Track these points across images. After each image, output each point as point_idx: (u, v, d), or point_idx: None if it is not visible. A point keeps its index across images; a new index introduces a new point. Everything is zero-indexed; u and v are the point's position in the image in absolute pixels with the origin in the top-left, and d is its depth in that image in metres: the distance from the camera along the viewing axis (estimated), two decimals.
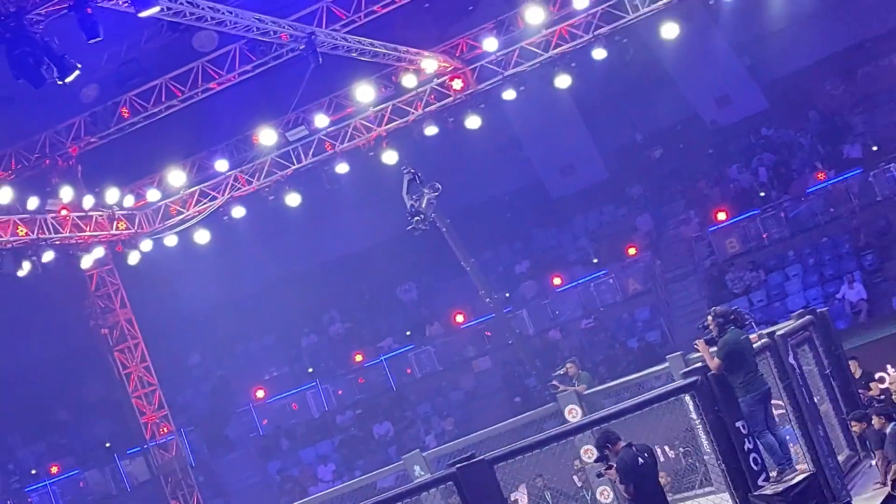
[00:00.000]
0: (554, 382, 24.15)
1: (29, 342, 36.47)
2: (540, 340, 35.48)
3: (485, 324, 36.09)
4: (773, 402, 15.38)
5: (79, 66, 21.50)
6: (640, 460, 13.94)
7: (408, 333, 36.78)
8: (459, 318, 36.66)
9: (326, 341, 38.62)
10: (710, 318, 15.25)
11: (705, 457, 18.77)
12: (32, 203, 28.24)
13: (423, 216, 24.75)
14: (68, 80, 21.55)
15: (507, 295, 36.61)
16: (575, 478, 23.29)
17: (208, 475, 35.04)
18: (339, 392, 36.86)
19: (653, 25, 29.62)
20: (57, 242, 29.47)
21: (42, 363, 36.90)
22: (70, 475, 35.80)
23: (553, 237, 39.02)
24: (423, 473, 22.74)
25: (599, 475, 15.13)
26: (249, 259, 36.66)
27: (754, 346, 15.18)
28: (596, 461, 14.86)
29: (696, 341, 15.05)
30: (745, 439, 14.22)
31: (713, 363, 14.38)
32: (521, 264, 38.09)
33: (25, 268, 28.85)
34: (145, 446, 32.68)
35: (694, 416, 17.12)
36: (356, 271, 38.30)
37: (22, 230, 28.34)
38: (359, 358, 37.08)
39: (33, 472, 35.87)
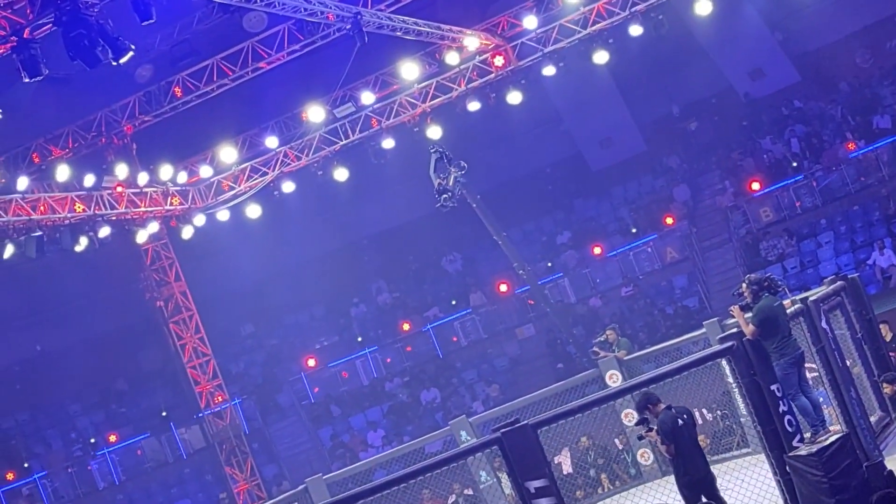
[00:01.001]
0: (595, 349, 24.67)
1: (88, 315, 37.25)
2: (581, 308, 36.20)
3: (528, 292, 36.82)
4: (806, 365, 15.60)
5: (132, 47, 22.17)
6: (680, 421, 14.43)
7: (453, 303, 37.50)
8: (503, 287, 37.31)
9: (375, 311, 39.32)
10: (744, 285, 15.46)
11: (742, 419, 19.31)
12: (89, 180, 28.99)
13: (450, 193, 25.48)
14: (122, 60, 22.24)
15: (549, 265, 37.36)
16: (616, 441, 23.97)
17: (261, 442, 35.72)
18: (388, 360, 37.55)
19: (687, 1, 30.25)
20: (113, 218, 30.20)
21: (101, 335, 37.62)
22: (128, 443, 36.33)
23: (593, 208, 39.63)
24: (469, 438, 23.38)
25: (640, 437, 15.58)
26: (299, 232, 37.31)
27: (788, 311, 15.36)
28: (637, 424, 15.24)
29: (732, 308, 15.31)
30: (780, 402, 14.38)
31: (748, 329, 14.65)
32: (562, 234, 38.72)
33: (83, 243, 29.57)
34: (200, 415, 33.44)
35: (730, 379, 17.64)
36: (402, 243, 38.99)
37: (79, 206, 29.05)
38: (406, 327, 37.76)
39: (93, 440, 36.56)
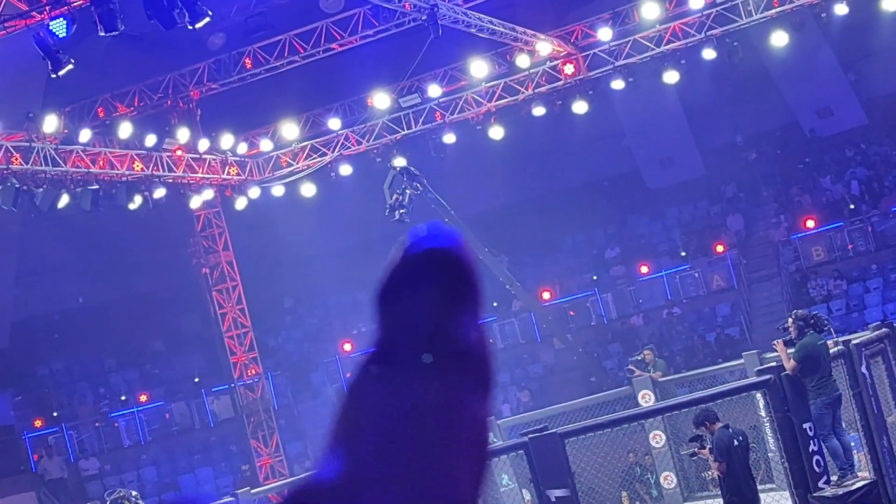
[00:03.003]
0: (630, 367, 24.73)
1: (133, 274, 37.52)
2: (620, 325, 36.22)
3: (569, 303, 36.85)
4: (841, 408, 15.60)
5: (210, 13, 22.44)
6: (736, 442, 14.46)
7: (494, 304, 37.54)
8: (546, 295, 37.36)
9: None
10: (790, 319, 15.55)
11: (769, 454, 19.38)
12: (150, 140, 29.22)
13: (405, 209, 27.73)
14: (198, 25, 22.50)
15: (595, 277, 37.38)
16: (630, 455, 24.05)
17: (289, 419, 35.89)
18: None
19: (763, 32, 30.18)
20: (169, 180, 30.48)
21: (143, 295, 37.87)
22: (157, 405, 36.54)
23: (645, 226, 39.60)
24: (494, 440, 23.56)
25: (693, 454, 15.56)
26: (350, 215, 37.41)
27: (830, 351, 15.41)
28: (690, 440, 15.31)
29: (775, 341, 15.37)
30: (811, 441, 14.48)
31: (789, 364, 14.72)
32: (612, 249, 38.73)
33: (137, 202, 29.83)
34: (232, 385, 33.73)
35: (763, 413, 17.69)
36: None
37: (137, 165, 29.33)
38: None
39: (123, 398, 36.83)
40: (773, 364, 15.45)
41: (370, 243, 39.14)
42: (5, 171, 25.81)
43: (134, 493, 17.88)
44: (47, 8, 21.85)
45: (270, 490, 26.14)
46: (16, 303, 36.43)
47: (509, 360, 36.93)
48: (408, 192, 27.73)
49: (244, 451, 33.85)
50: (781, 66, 35.62)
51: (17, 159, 26.03)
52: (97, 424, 35.91)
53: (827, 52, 37.01)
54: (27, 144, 26.28)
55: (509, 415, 30.78)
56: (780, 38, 29.75)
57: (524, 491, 23.18)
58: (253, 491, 21.99)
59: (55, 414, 35.86)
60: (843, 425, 15.82)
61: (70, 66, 22.02)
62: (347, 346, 37.92)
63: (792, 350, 15.04)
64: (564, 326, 34.25)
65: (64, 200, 27.63)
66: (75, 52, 23.04)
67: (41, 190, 26.74)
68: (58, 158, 27.00)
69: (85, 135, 27.59)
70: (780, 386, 14.68)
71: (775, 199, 38.02)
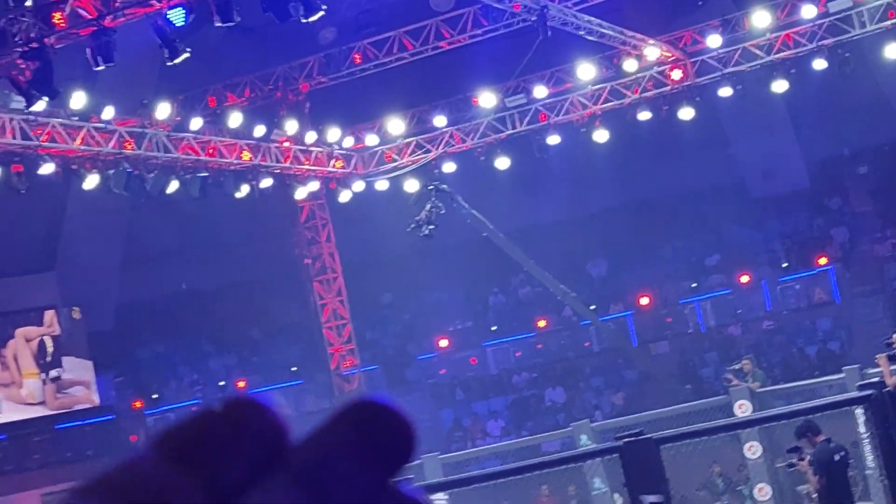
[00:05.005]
0: (728, 376, 24.64)
1: (236, 261, 37.94)
2: (717, 334, 36.05)
3: (666, 310, 36.74)
4: None
5: (324, 7, 22.75)
6: (836, 457, 14.32)
7: (592, 308, 37.49)
8: (644, 301, 37.28)
9: (514, 302, 39.56)
10: (895, 335, 15.57)
11: (867, 471, 19.25)
12: (259, 131, 29.75)
13: (434, 225, 29.47)
14: (312, 19, 22.83)
15: (694, 285, 37.22)
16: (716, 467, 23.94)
17: None
18: (518, 354, 37.85)
19: (877, 44, 29.84)
20: (276, 171, 30.99)
21: (245, 283, 38.34)
22: (254, 392, 36.99)
23: (747, 236, 39.27)
24: (588, 443, 23.55)
25: (791, 465, 15.41)
26: (451, 213, 37.60)
27: None
28: (788, 452, 15.18)
29: (878, 356, 15.23)
30: None
31: (891, 380, 14.52)
32: (711, 257, 38.53)
33: (244, 191, 30.39)
34: (330, 376, 34.07)
35: (862, 429, 17.56)
36: (550, 240, 38.92)
37: (246, 155, 29.86)
38: (542, 324, 37.96)
39: (221, 383, 37.30)
40: (876, 380, 15.32)
41: (468, 243, 39.39)
42: (118, 156, 26.41)
43: None
44: None
45: None
46: (122, 287, 37.16)
47: (604, 364, 36.92)
48: (429, 207, 29.23)
49: None
50: (894, 79, 35.14)
51: (130, 144, 26.62)
52: (194, 409, 36.28)
53: None
54: (140, 130, 26.87)
55: (602, 419, 30.83)
56: (893, 51, 29.41)
57: (615, 495, 23.24)
58: None
59: (154, 396, 36.44)
60: None
61: (186, 55, 22.43)
62: (443, 342, 38.14)
63: (895, 367, 14.89)
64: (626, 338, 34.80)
65: (173, 186, 28.19)
66: (191, 41, 23.48)
67: (152, 175, 27.34)
68: (169, 145, 27.54)
69: (196, 123, 28.12)
70: (881, 402, 14.55)
71: (881, 215, 37.53)
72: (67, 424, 33.20)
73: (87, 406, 33.43)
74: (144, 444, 0.80)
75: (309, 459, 0.76)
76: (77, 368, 33.10)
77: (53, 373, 32.56)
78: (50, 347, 32.56)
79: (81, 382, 33.20)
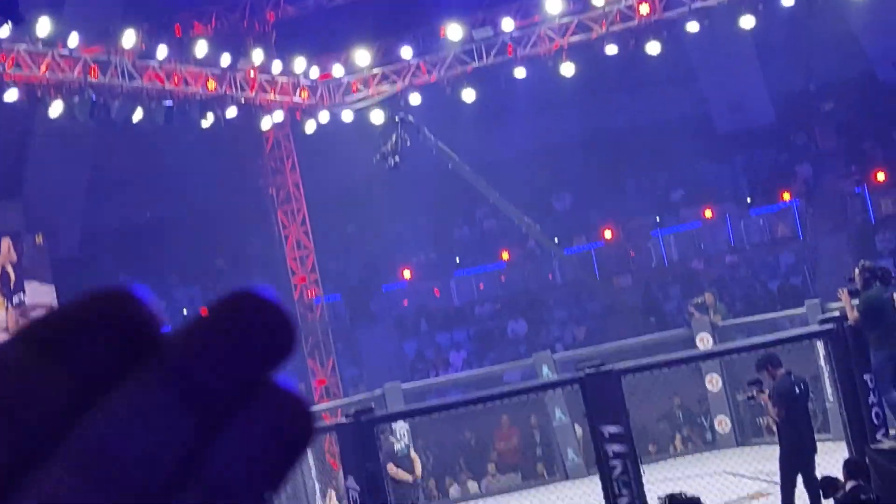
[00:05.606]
0: (690, 310, 24.83)
1: (200, 191, 37.86)
2: (681, 268, 36.26)
3: (630, 243, 36.90)
4: None
5: None
6: (797, 389, 14.43)
7: (555, 241, 37.57)
8: (608, 234, 37.42)
9: (478, 235, 39.64)
10: (856, 270, 15.47)
11: (827, 404, 19.41)
12: (225, 60, 29.45)
13: (399, 156, 29.84)
14: None
15: (658, 219, 37.37)
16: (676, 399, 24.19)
17: (346, 344, 36.21)
18: (481, 286, 37.99)
19: None
20: (242, 101, 30.75)
21: (209, 212, 38.22)
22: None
23: (712, 171, 39.36)
24: (550, 374, 23.73)
25: (750, 398, 15.52)
26: (417, 145, 37.52)
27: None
28: (749, 384, 15.30)
29: (840, 290, 15.35)
30: (871, 393, 14.38)
31: (852, 314, 14.65)
32: (676, 192, 38.67)
33: (209, 119, 30.15)
34: (293, 306, 34.03)
35: (822, 363, 17.71)
36: (515, 174, 38.95)
37: (211, 84, 29.56)
38: (505, 256, 38.09)
39: (185, 311, 37.22)
40: (836, 314, 15.41)
41: (432, 175, 39.37)
42: (83, 83, 26.17)
43: None
44: None
45: (325, 409, 26.55)
46: (86, 215, 37.02)
47: (567, 296, 37.09)
48: (394, 138, 29.49)
49: (300, 371, 34.16)
50: (862, 15, 35.08)
51: (94, 71, 26.38)
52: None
53: None
54: (105, 58, 26.62)
55: (564, 350, 31.03)
56: None
57: (576, 426, 23.46)
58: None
59: None
60: None
61: None
62: (407, 273, 38.21)
63: (856, 301, 14.97)
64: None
65: (138, 115, 27.97)
66: None
67: (117, 103, 27.11)
68: (134, 73, 27.32)
69: (161, 51, 27.87)
70: (842, 336, 14.65)
71: (846, 151, 37.71)
72: None
73: None
74: (10, 335, 0.80)
75: (183, 352, 0.76)
76: (39, 293, 33.05)
77: (16, 299, 32.52)
78: (12, 275, 32.49)
79: (44, 306, 33.14)
